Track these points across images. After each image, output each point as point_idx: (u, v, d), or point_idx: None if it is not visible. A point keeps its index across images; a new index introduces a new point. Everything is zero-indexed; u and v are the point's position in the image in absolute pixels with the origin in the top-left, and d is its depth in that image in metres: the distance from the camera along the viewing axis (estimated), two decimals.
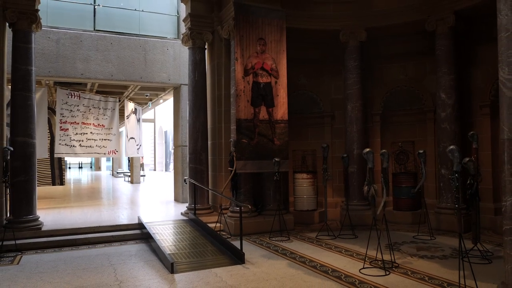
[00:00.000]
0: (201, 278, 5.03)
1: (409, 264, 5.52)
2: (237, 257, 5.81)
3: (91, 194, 14.73)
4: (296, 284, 4.77)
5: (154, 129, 27.94)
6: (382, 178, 5.54)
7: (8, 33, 7.53)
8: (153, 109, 21.60)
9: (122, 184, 19.54)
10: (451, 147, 4.16)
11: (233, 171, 7.76)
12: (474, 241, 5.82)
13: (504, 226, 3.27)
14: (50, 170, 13.71)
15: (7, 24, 7.42)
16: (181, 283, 4.88)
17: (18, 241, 6.62)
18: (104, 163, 38.67)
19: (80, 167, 46.07)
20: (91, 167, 45.43)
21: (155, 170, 29.24)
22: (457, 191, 4.11)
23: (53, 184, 13.69)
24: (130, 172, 20.51)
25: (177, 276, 5.15)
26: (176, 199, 11.74)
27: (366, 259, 5.57)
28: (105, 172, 34.83)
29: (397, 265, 5.45)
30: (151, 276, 5.20)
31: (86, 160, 45.54)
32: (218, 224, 7.85)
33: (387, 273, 5.10)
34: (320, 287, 4.68)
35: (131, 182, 19.86)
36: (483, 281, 4.44)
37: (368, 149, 5.55)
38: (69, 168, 41.28)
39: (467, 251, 5.80)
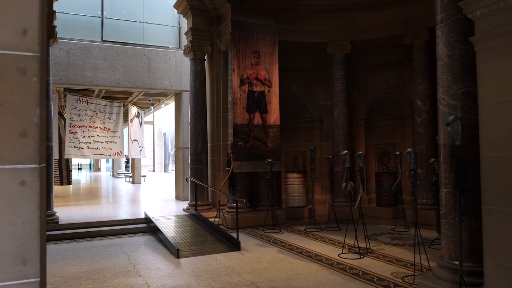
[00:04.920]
0: (203, 261, 5.90)
1: (382, 250, 6.41)
2: (234, 245, 6.68)
3: (96, 193, 15.55)
4: (283, 265, 5.65)
5: (153, 131, 28.55)
6: (359, 176, 6.44)
7: None
8: (152, 112, 22.34)
9: (124, 184, 20.32)
10: (408, 150, 5.03)
11: (230, 171, 8.62)
12: (438, 230, 6.71)
13: (441, 211, 4.15)
14: (58, 170, 14.50)
15: None
16: (186, 265, 5.74)
17: None
18: (104, 164, 39.27)
19: (80, 168, 46.52)
20: (90, 168, 45.91)
21: (154, 171, 29.90)
22: (413, 186, 4.99)
23: (61, 184, 14.46)
24: (131, 172, 21.29)
25: (182, 260, 6.02)
26: (178, 198, 12.59)
27: (345, 246, 6.46)
28: (104, 173, 35.53)
29: (371, 251, 6.33)
30: (160, 260, 6.06)
31: (85, 161, 46.06)
32: (217, 219, 8.70)
33: (362, 256, 5.99)
34: (303, 267, 5.56)
35: (132, 182, 20.62)
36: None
37: (345, 151, 6.45)
38: None
39: (433, 240, 6.74)
